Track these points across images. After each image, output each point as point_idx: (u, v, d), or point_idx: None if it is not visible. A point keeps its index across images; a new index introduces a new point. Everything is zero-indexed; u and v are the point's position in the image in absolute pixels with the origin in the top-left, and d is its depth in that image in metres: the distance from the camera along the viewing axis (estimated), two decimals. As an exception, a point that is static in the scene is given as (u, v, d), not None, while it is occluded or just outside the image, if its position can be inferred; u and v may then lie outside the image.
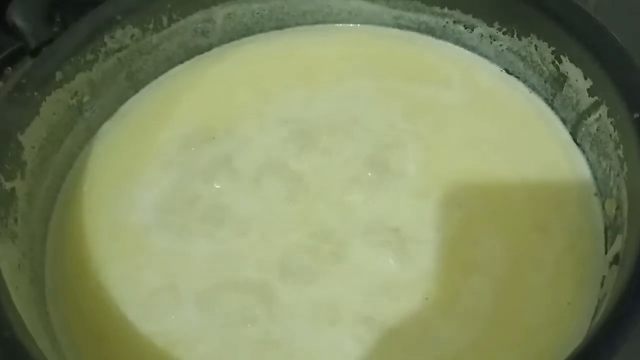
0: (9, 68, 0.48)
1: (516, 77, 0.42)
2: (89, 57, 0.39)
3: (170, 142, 0.40)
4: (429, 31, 0.44)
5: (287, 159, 0.39)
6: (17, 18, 0.41)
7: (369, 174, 0.38)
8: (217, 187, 0.38)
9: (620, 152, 0.33)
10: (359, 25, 0.45)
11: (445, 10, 0.42)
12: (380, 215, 0.36)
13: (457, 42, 0.44)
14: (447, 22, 0.43)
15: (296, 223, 0.36)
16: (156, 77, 0.44)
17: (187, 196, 0.38)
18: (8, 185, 0.33)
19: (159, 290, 0.34)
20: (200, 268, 0.35)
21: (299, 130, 0.40)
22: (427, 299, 0.32)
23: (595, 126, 0.36)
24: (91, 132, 0.41)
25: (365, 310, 0.33)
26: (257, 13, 0.45)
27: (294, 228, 0.36)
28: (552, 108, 0.40)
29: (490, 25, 0.41)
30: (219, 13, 0.44)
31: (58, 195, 0.38)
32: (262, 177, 0.38)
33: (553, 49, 0.38)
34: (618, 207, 0.33)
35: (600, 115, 0.35)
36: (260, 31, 0.46)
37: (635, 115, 0.32)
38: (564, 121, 0.39)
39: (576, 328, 0.31)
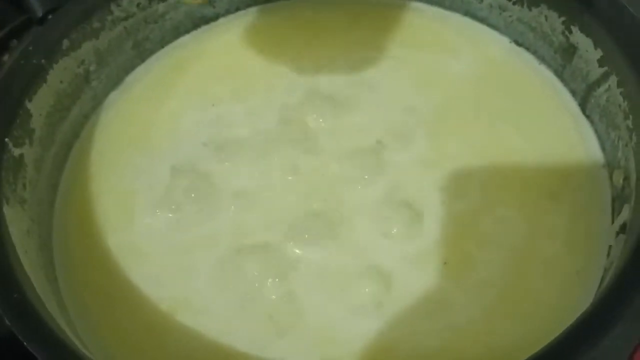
0: (15, 40, 0.48)
1: (526, 48, 0.41)
2: (96, 25, 0.39)
3: (176, 111, 0.40)
4: (438, 2, 0.44)
5: (295, 131, 0.39)
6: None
7: (379, 145, 0.38)
8: (223, 156, 0.38)
9: (629, 122, 0.33)
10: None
11: (455, -20, 0.42)
12: (392, 186, 0.36)
13: (467, 13, 0.43)
14: (456, -8, 0.43)
15: (304, 195, 0.36)
16: (163, 47, 0.43)
17: (194, 165, 0.38)
18: (17, 152, 0.33)
19: (165, 257, 0.34)
20: (207, 236, 0.35)
21: (308, 101, 0.40)
22: (446, 263, 0.33)
23: (605, 97, 0.36)
24: (98, 101, 0.41)
25: (381, 277, 0.33)
26: (265, -18, 0.44)
27: (301, 200, 0.36)
28: (562, 80, 0.40)
29: (500, -5, 0.41)
30: (226, -18, 0.43)
31: (65, 163, 0.38)
32: (269, 148, 0.38)
33: (563, 19, 0.38)
34: (626, 178, 0.33)
35: (609, 85, 0.35)
36: (268, 1, 0.45)
37: (646, 85, 0.31)
38: (573, 93, 0.39)
39: (583, 297, 0.31)
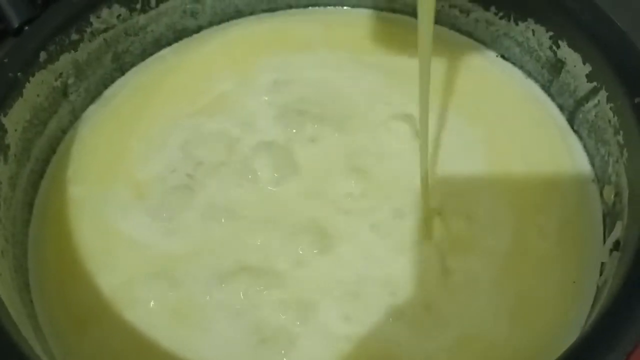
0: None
1: (512, 63, 0.41)
2: (74, 37, 0.37)
3: (156, 126, 0.39)
4: (424, 15, 0.43)
5: (277, 141, 0.38)
6: (-2, -4, 0.39)
7: (365, 153, 0.37)
8: (202, 173, 0.37)
9: (620, 138, 0.32)
10: (352, 8, 0.45)
11: (441, -7, 0.42)
12: (378, 193, 0.35)
13: (453, 27, 0.43)
14: (442, 6, 0.42)
15: (291, 206, 0.35)
16: (143, 60, 0.42)
17: (173, 182, 0.36)
18: (-10, 169, 0.32)
19: (143, 277, 0.33)
20: (191, 254, 0.34)
21: (285, 113, 0.39)
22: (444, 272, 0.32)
23: (594, 112, 0.35)
24: (76, 115, 0.40)
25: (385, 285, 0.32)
26: (248, -6, 0.44)
27: (289, 213, 0.35)
28: (549, 94, 0.39)
29: (487, 9, 0.40)
30: (209, -6, 0.42)
31: (42, 180, 0.37)
32: (250, 161, 0.37)
33: (551, 34, 0.38)
34: (617, 194, 0.32)
35: (599, 101, 0.35)
36: (251, 13, 0.45)
37: (636, 100, 0.31)
38: (560, 108, 0.39)
39: (579, 309, 0.31)
